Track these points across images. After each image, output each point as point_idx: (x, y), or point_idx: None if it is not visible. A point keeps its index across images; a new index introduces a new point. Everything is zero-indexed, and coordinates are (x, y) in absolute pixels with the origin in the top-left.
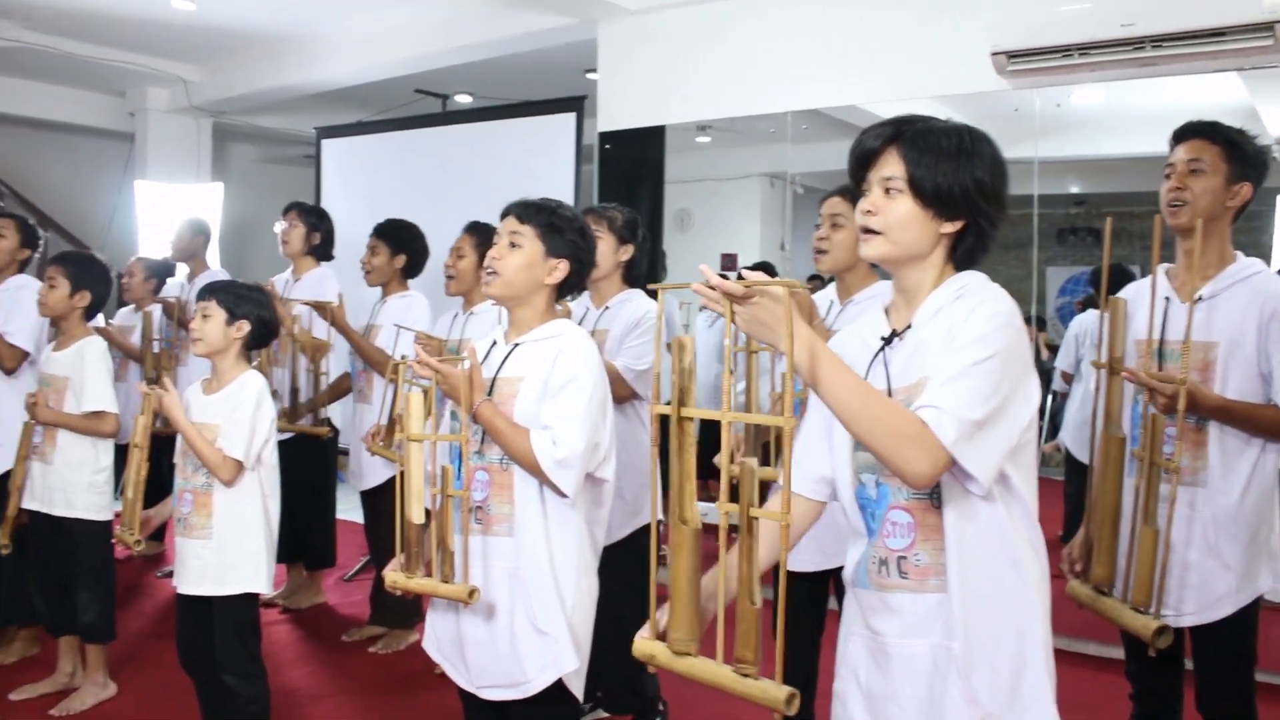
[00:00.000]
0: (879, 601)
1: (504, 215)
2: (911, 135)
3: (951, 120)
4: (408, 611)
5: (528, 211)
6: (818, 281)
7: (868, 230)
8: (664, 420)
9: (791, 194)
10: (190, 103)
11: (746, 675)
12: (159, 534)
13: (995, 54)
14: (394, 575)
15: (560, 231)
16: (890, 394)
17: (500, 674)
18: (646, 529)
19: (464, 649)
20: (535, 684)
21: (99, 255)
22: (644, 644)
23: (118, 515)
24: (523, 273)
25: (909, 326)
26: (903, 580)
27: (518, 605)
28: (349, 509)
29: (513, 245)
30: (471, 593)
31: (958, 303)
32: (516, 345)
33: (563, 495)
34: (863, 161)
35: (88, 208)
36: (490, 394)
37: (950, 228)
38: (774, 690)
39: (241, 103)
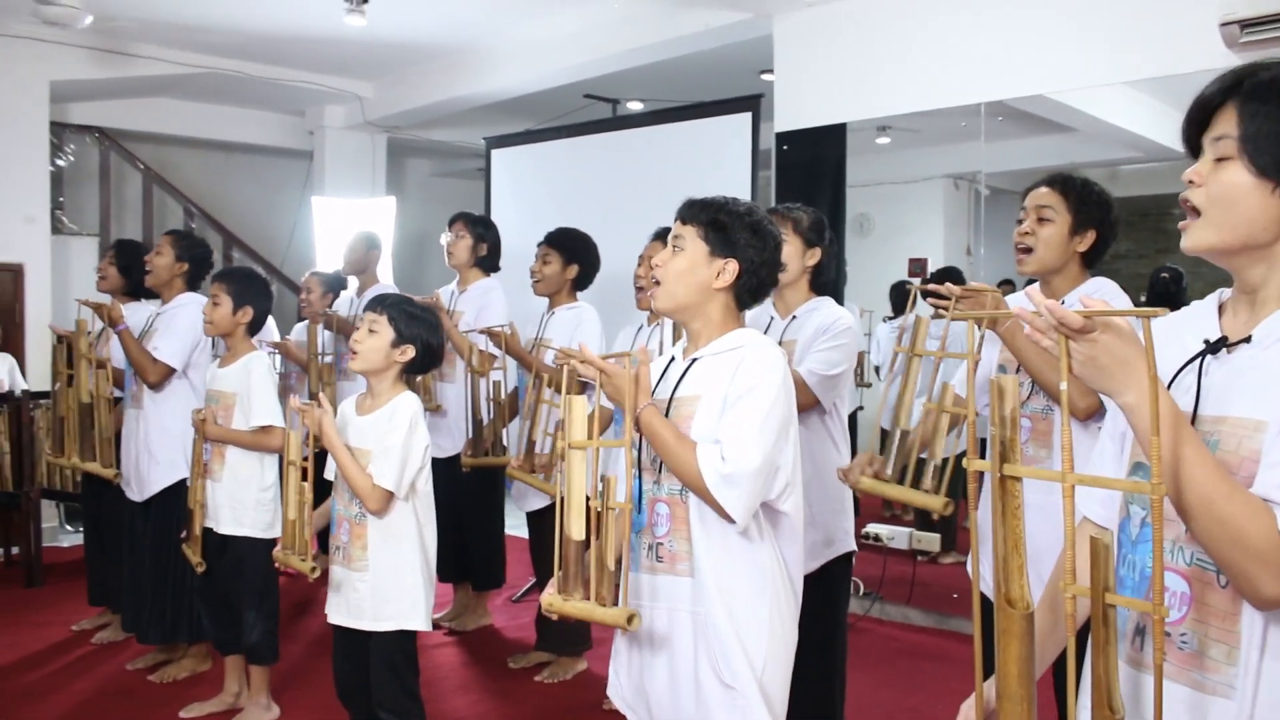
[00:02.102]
0: (1131, 677)
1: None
2: (1257, 82)
3: None
4: (576, 639)
5: (690, 210)
6: (1008, 286)
7: (1189, 205)
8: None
9: (976, 195)
10: (365, 119)
11: None
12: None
13: (1225, 24)
14: (549, 597)
15: (725, 228)
16: (1194, 421)
17: None
18: (841, 560)
19: (649, 701)
20: None
21: (259, 270)
22: None
23: None
24: (685, 278)
25: (1247, 339)
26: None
27: (701, 654)
28: (518, 524)
29: (675, 249)
30: (630, 618)
31: None
32: (694, 360)
33: (730, 520)
34: (1197, 120)
35: (271, 225)
36: (668, 415)
37: None
38: None
39: (414, 117)
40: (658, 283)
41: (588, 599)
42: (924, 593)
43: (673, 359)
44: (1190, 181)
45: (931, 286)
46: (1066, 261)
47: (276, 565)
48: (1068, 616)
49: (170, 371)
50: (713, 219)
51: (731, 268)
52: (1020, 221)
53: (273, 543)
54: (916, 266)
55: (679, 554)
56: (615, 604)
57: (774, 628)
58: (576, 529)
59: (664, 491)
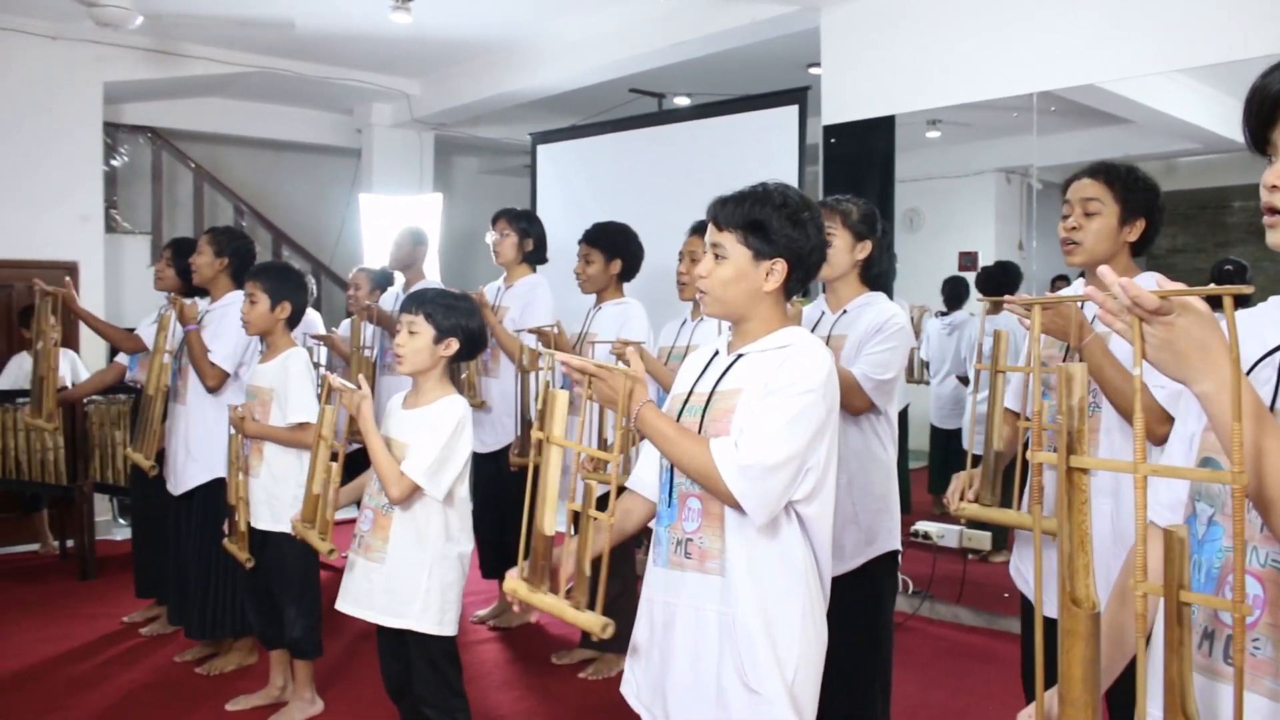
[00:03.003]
0: (1201, 686)
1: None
2: None
3: None
4: (621, 636)
5: (725, 212)
6: (1062, 281)
7: (1274, 210)
8: None
9: (1029, 189)
10: (413, 116)
11: None
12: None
13: None
14: (514, 584)
15: (765, 229)
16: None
17: None
18: (884, 559)
19: (667, 702)
20: None
21: (295, 265)
22: None
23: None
24: (732, 287)
25: None
26: (1231, 667)
27: (725, 655)
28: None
29: (716, 257)
30: (605, 626)
31: None
32: (739, 356)
33: (744, 514)
34: (1265, 114)
35: (319, 222)
36: (707, 409)
37: None
38: None
39: (461, 114)
40: (703, 291)
41: (555, 593)
42: (974, 592)
43: (716, 352)
44: (1274, 186)
45: (1006, 298)
46: (1116, 252)
47: (294, 534)
48: (1138, 616)
49: (226, 376)
50: (749, 220)
51: (780, 268)
52: (1066, 216)
53: None
54: (967, 260)
55: (710, 551)
56: (590, 608)
57: (806, 631)
58: (549, 523)
59: (697, 486)
